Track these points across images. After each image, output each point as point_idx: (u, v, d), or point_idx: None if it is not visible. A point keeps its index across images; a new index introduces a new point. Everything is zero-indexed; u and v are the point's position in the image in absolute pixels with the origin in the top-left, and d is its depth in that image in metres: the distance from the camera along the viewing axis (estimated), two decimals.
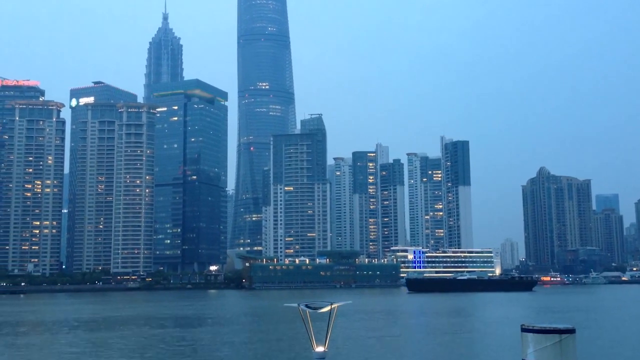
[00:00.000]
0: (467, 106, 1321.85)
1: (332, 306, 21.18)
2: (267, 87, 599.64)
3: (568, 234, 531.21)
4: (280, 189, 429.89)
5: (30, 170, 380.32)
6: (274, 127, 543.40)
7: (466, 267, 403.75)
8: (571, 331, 15.24)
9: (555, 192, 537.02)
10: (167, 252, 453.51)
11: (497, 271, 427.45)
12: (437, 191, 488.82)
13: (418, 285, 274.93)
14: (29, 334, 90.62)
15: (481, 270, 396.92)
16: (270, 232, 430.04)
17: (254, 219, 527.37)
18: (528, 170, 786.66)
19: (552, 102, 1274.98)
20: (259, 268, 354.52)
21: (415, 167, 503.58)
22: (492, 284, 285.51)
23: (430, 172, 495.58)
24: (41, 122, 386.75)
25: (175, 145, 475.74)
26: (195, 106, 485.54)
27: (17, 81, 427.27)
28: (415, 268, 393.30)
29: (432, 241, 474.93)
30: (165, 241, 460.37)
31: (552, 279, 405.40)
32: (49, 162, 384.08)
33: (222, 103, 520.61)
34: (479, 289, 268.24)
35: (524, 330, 15.66)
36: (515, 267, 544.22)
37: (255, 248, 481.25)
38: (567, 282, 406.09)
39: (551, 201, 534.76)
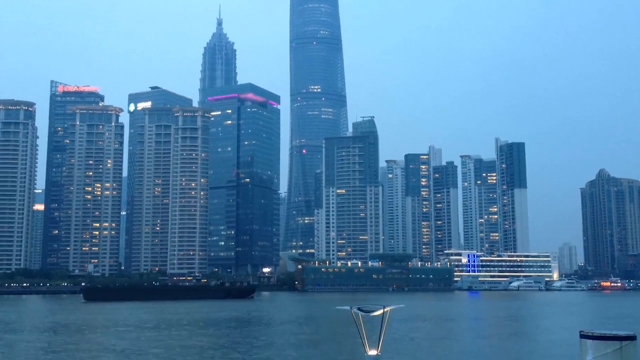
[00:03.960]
0: (522, 106, 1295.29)
1: (385, 309, 21.13)
2: (319, 90, 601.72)
3: (629, 238, 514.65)
4: (333, 191, 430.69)
5: (90, 173, 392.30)
6: (326, 130, 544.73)
7: (522, 271, 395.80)
8: (632, 338, 14.83)
9: (616, 194, 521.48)
10: (221, 254, 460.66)
11: (555, 276, 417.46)
12: (491, 194, 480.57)
13: (96, 294, 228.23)
14: (91, 334, 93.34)
15: (538, 275, 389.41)
16: (323, 235, 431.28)
17: (306, 221, 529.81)
18: (587, 172, 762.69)
19: (610, 101, 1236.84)
20: (311, 270, 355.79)
21: (469, 169, 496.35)
22: (196, 291, 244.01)
23: (484, 174, 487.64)
24: (101, 127, 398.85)
25: (229, 149, 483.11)
26: (249, 110, 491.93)
27: (78, 87, 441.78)
28: (469, 272, 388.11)
29: (487, 245, 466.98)
30: (220, 243, 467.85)
31: (612, 284, 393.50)
32: (108, 165, 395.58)
33: (275, 106, 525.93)
34: (178, 297, 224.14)
35: (583, 336, 15.30)
36: (573, 272, 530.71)
37: (308, 250, 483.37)
38: (627, 287, 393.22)
39: (611, 204, 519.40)
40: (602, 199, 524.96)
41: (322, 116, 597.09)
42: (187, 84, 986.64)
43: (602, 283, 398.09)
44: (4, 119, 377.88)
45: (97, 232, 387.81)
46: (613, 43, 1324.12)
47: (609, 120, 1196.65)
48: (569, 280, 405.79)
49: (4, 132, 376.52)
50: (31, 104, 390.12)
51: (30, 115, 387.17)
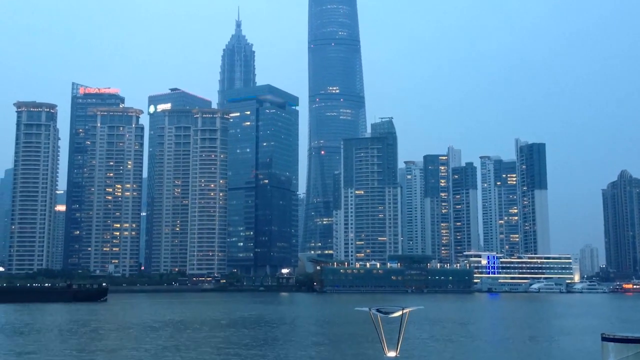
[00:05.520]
0: (542, 106, 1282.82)
1: (404, 311, 21.05)
2: (337, 91, 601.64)
3: None
4: (351, 192, 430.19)
5: (111, 174, 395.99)
6: (344, 131, 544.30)
7: (543, 273, 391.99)
8: None
9: (638, 196, 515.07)
10: (240, 255, 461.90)
11: (576, 278, 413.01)
12: (511, 195, 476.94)
13: None
14: (114, 334, 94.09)
15: (559, 277, 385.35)
16: (341, 236, 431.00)
17: (324, 222, 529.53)
18: (608, 173, 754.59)
19: (632, 101, 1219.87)
20: (330, 271, 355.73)
21: (489, 170, 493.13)
22: (39, 294, 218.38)
23: (504, 175, 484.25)
24: (121, 128, 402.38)
25: (248, 150, 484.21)
26: (267, 111, 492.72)
27: (99, 89, 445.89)
28: (489, 274, 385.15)
29: (507, 246, 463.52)
30: (239, 244, 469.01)
31: (634, 286, 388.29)
32: (129, 166, 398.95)
33: (293, 107, 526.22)
34: (14, 299, 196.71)
35: (605, 339, 15.18)
36: (595, 274, 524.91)
37: (326, 251, 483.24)
38: None
39: (633, 205, 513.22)
40: (624, 200, 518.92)
41: (341, 117, 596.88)
42: (206, 86, 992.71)
43: (624, 285, 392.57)
44: (26, 121, 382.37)
45: (117, 233, 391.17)
46: (635, 40, 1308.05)
47: (631, 120, 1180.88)
48: (591, 283, 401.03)
49: (26, 133, 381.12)
50: (53, 106, 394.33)
51: (52, 117, 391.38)
